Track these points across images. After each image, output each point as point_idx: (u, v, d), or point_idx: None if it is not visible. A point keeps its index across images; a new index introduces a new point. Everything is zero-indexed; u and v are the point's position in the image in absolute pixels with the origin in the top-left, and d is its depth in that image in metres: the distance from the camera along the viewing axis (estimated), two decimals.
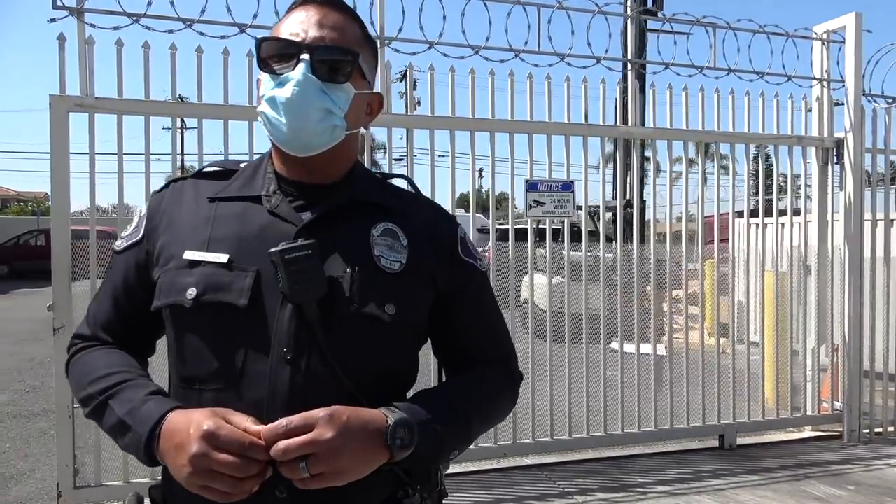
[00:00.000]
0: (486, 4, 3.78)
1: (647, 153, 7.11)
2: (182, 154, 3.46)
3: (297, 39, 1.01)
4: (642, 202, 5.16)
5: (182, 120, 3.55)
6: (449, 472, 3.84)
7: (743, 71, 4.24)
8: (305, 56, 1.00)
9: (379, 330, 1.01)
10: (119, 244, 1.13)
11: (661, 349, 4.38)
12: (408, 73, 5.83)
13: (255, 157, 1.19)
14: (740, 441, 4.45)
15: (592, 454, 4.19)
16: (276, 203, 1.05)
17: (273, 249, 0.98)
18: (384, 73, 3.67)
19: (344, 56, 1.03)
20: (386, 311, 1.01)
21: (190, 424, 0.88)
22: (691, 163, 5.63)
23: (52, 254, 3.21)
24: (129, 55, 3.29)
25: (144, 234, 1.10)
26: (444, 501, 1.12)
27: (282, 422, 0.87)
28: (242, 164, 1.14)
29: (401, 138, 3.89)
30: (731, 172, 4.64)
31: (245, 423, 0.89)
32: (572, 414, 4.03)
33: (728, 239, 5.73)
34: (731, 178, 4.60)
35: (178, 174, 1.29)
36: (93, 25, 3.23)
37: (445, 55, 3.80)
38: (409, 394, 1.09)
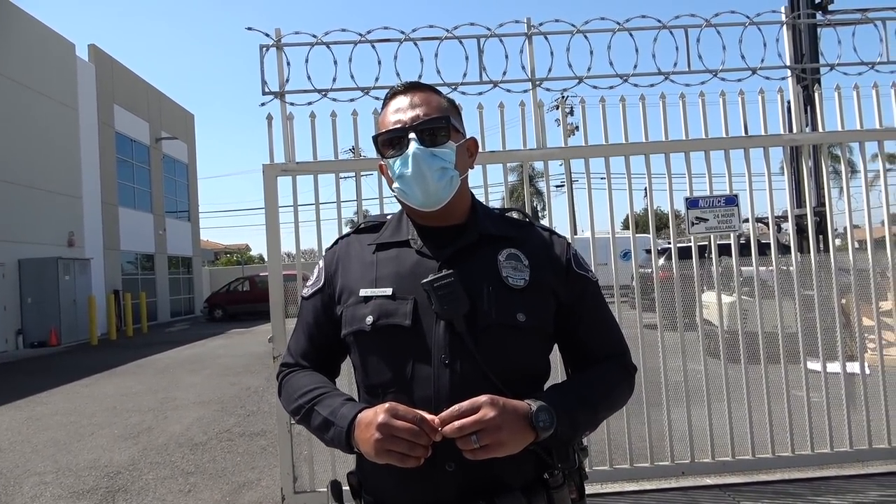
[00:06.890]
0: (631, 34, 3.92)
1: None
2: (360, 199, 3.99)
3: (401, 125, 1.30)
4: (821, 208, 4.87)
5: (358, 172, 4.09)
6: (626, 490, 3.89)
7: None
8: (412, 134, 1.28)
9: (514, 335, 1.25)
10: (305, 291, 1.45)
11: (852, 367, 4.07)
12: (560, 105, 6.06)
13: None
14: None
15: (781, 475, 4.00)
16: (421, 245, 1.33)
17: (424, 281, 1.24)
18: (536, 112, 3.94)
19: (439, 123, 1.31)
20: (517, 318, 1.25)
21: (376, 409, 1.16)
22: (892, 158, 5.17)
23: (270, 294, 3.85)
24: (318, 122, 3.90)
25: (325, 282, 1.41)
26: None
27: (455, 407, 1.12)
28: (388, 217, 1.45)
29: (560, 165, 4.13)
30: None
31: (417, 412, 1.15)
32: (755, 434, 3.90)
33: None
34: None
35: (358, 218, 1.62)
36: (292, 104, 3.89)
37: (595, 87, 3.98)
38: (545, 388, 1.31)
